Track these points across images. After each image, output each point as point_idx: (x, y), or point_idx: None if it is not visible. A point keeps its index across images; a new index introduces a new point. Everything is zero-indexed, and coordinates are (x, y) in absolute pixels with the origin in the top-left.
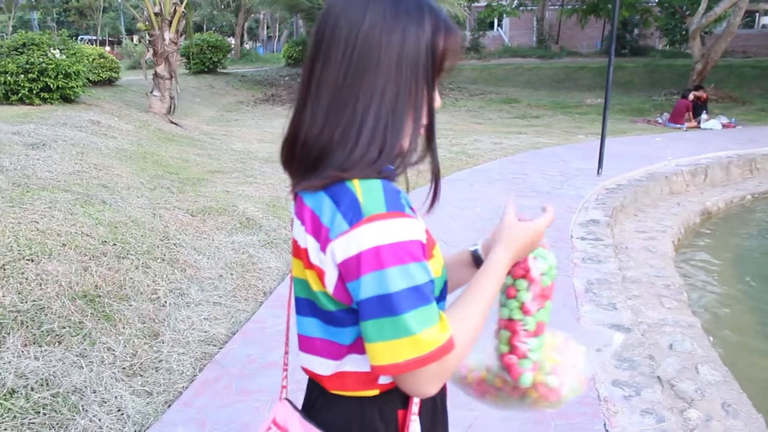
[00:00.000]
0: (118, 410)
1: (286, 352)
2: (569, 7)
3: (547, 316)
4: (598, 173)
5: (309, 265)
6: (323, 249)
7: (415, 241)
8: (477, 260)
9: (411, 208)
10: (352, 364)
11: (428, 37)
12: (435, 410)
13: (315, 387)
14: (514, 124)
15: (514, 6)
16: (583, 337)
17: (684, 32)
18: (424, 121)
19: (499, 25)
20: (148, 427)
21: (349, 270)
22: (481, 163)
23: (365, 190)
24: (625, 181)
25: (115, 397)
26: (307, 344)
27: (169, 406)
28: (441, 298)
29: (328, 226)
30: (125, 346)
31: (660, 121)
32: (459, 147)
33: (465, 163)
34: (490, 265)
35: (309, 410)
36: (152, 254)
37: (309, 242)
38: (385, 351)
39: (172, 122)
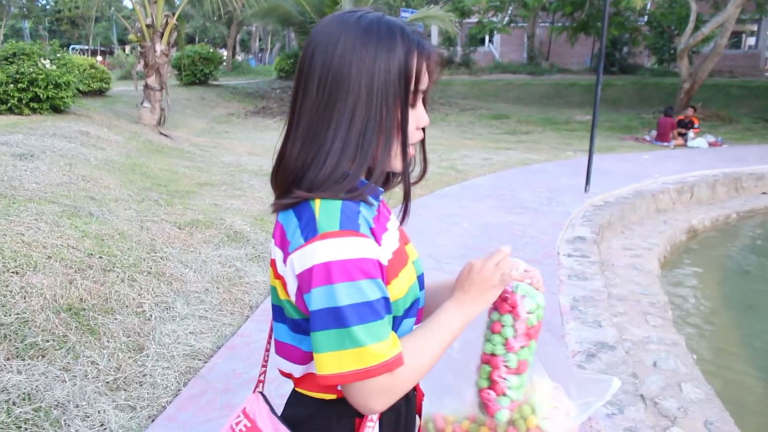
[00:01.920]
0: (101, 425)
1: (267, 350)
2: (559, 24)
3: (530, 356)
4: (585, 190)
5: (277, 275)
6: (285, 261)
7: (366, 259)
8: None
9: (372, 229)
10: (314, 368)
11: (400, 60)
12: (398, 423)
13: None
14: (503, 139)
15: (504, 23)
16: (579, 385)
17: (672, 51)
18: (398, 142)
19: (490, 41)
20: None
21: (303, 282)
22: (470, 178)
23: (323, 209)
24: (613, 199)
25: (98, 411)
26: (279, 348)
27: (153, 420)
28: (408, 315)
29: (290, 240)
30: (109, 360)
31: (648, 138)
32: (448, 162)
33: (454, 178)
34: (447, 308)
35: (285, 406)
36: (138, 267)
37: (276, 254)
38: (331, 361)
39: (162, 134)
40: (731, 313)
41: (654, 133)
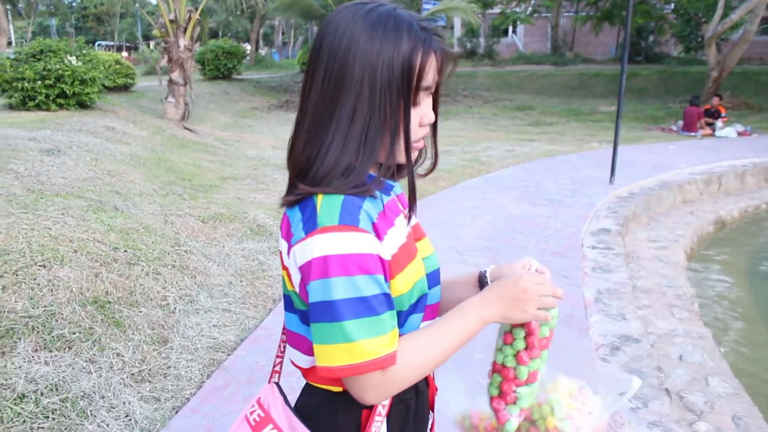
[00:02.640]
0: (126, 416)
1: (283, 340)
2: (583, 14)
3: (541, 365)
4: (610, 181)
5: (283, 266)
6: (289, 252)
7: (365, 255)
8: (482, 283)
9: (375, 224)
10: None
11: (404, 56)
12: (407, 416)
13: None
14: (527, 131)
15: (528, 13)
16: (602, 383)
17: (700, 39)
18: (400, 138)
19: (514, 32)
20: None
21: (304, 274)
22: (493, 170)
23: (324, 203)
24: (638, 190)
25: (123, 402)
26: (290, 338)
27: (177, 412)
28: (414, 310)
29: (293, 233)
30: (134, 352)
31: (674, 128)
32: (471, 154)
33: (477, 170)
34: (467, 306)
35: (298, 397)
36: (163, 261)
37: (282, 246)
38: (323, 354)
39: (186, 128)
40: (760, 306)
41: (680, 123)
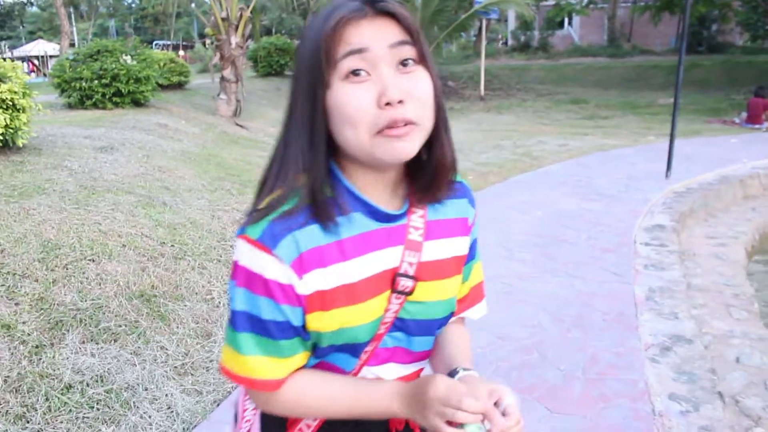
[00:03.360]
0: (168, 408)
1: None
2: (642, 3)
3: None
4: (666, 176)
5: None
6: None
7: (273, 281)
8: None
9: (303, 254)
10: None
11: (317, 37)
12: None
13: None
14: (581, 125)
15: (583, 4)
16: None
17: (767, 27)
18: (353, 139)
19: (569, 23)
20: (195, 425)
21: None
22: (545, 165)
23: (254, 215)
24: (696, 185)
25: (166, 395)
26: None
27: (218, 405)
28: (341, 350)
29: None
30: (178, 345)
31: (737, 121)
32: (523, 149)
33: (528, 165)
34: (383, 389)
35: None
36: (209, 255)
37: None
38: (223, 352)
39: (237, 125)
40: None
41: (744, 115)
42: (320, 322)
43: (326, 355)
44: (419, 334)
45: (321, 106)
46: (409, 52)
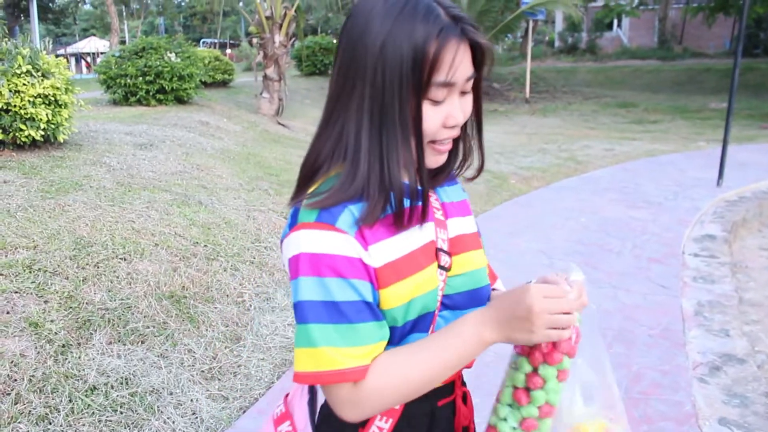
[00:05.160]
0: (193, 413)
1: None
2: (695, 5)
3: (556, 398)
4: (718, 184)
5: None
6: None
7: (339, 256)
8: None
9: (362, 228)
10: None
11: (416, 44)
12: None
13: None
14: (628, 129)
15: (634, 5)
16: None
17: None
18: (412, 139)
19: (618, 25)
20: None
21: (289, 273)
22: (590, 170)
23: (307, 203)
24: (749, 193)
25: (191, 400)
26: None
27: (244, 412)
28: (415, 329)
29: (284, 232)
30: (206, 348)
31: None
32: (568, 153)
33: (573, 170)
34: (463, 323)
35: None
36: (242, 257)
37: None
38: (295, 357)
39: (279, 123)
40: None
41: None
42: (395, 296)
43: (402, 339)
44: (472, 306)
45: (416, 112)
46: (471, 83)
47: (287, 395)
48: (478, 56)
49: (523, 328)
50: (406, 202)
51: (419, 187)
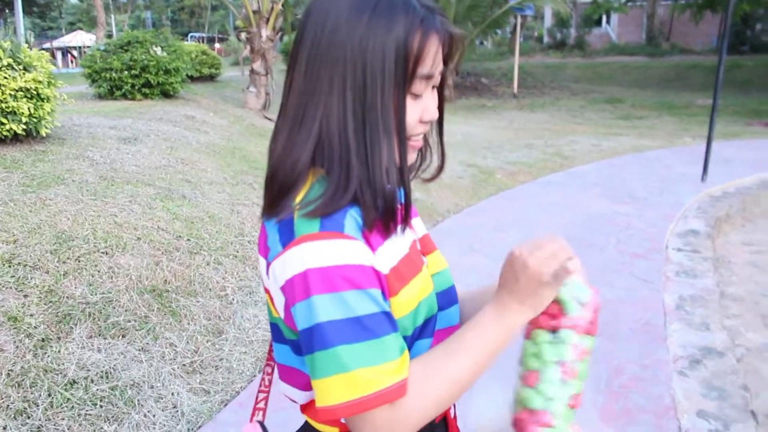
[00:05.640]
0: (174, 407)
1: (268, 372)
2: (683, 2)
3: (580, 385)
4: (702, 179)
5: (265, 289)
6: (268, 271)
7: (353, 266)
8: None
9: (366, 231)
10: None
11: (398, 37)
12: None
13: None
14: (615, 125)
15: (622, 2)
16: None
17: None
18: (394, 135)
19: (607, 21)
20: (200, 426)
21: (287, 296)
22: (576, 165)
23: (302, 213)
24: (733, 189)
25: (172, 393)
26: (282, 372)
27: (225, 405)
28: (421, 335)
29: (270, 247)
30: (188, 342)
31: None
32: (554, 148)
33: (559, 165)
34: (482, 316)
35: None
36: (225, 251)
37: (261, 264)
38: (321, 391)
39: (266, 118)
40: None
41: None
42: (405, 303)
43: (410, 349)
44: (450, 305)
45: (399, 108)
46: (440, 77)
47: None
48: (447, 49)
49: (532, 289)
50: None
51: (401, 187)
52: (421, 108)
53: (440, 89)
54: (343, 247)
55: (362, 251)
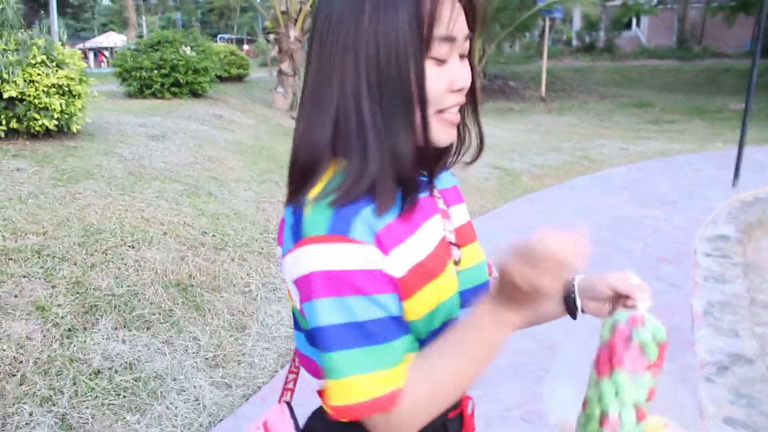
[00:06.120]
0: (195, 399)
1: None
2: (715, 4)
3: (642, 396)
4: (733, 184)
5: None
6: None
7: (358, 271)
8: (569, 291)
9: (379, 233)
10: None
11: (410, 8)
12: None
13: None
14: (644, 129)
15: (653, 4)
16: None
17: None
18: (417, 110)
19: (637, 24)
20: (221, 419)
21: (300, 292)
22: (604, 169)
23: (314, 206)
24: (765, 194)
25: (194, 386)
26: (299, 357)
27: (247, 399)
28: (434, 337)
29: (284, 240)
30: (211, 336)
31: None
32: (582, 151)
33: (586, 168)
34: (482, 305)
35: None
36: (250, 247)
37: (279, 253)
38: (327, 390)
39: (293, 118)
40: None
41: None
42: (420, 304)
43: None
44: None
45: (418, 77)
46: (468, 45)
47: (266, 421)
48: (473, 13)
49: (537, 298)
50: (426, 193)
51: (423, 173)
52: (448, 75)
53: (471, 63)
54: (348, 252)
55: (369, 255)
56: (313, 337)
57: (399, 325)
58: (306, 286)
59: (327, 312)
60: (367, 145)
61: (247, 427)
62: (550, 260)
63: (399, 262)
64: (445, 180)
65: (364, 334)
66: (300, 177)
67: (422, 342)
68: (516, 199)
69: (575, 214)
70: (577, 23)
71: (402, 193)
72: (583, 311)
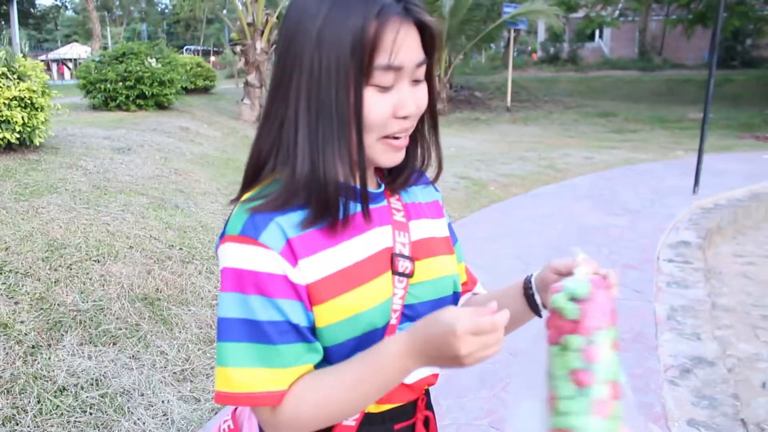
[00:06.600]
0: (164, 414)
1: None
2: (674, 17)
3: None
4: (693, 191)
5: None
6: None
7: (263, 273)
8: (527, 293)
9: (291, 240)
10: None
11: (353, 26)
12: None
13: None
14: (608, 138)
15: (614, 17)
16: None
17: None
18: (353, 133)
19: (600, 36)
20: None
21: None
22: (568, 177)
23: (239, 209)
24: (724, 201)
25: (162, 401)
26: None
27: (215, 413)
28: (360, 346)
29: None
30: (179, 350)
31: None
32: (547, 161)
33: (552, 177)
34: (385, 353)
35: None
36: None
37: None
38: (215, 376)
39: None
40: None
41: None
42: (332, 313)
43: (343, 359)
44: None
45: (356, 101)
46: (423, 71)
47: (235, 410)
48: (427, 39)
49: (451, 365)
50: (352, 206)
51: (357, 187)
52: (392, 103)
53: (431, 85)
54: (253, 254)
55: (272, 261)
56: (216, 326)
57: (297, 331)
58: (221, 278)
59: (229, 305)
60: (297, 161)
61: (217, 423)
62: (497, 336)
63: (309, 270)
64: (419, 194)
65: (256, 332)
66: (247, 180)
67: (340, 347)
68: (483, 208)
69: (541, 223)
70: (542, 35)
71: (343, 204)
72: (545, 306)
